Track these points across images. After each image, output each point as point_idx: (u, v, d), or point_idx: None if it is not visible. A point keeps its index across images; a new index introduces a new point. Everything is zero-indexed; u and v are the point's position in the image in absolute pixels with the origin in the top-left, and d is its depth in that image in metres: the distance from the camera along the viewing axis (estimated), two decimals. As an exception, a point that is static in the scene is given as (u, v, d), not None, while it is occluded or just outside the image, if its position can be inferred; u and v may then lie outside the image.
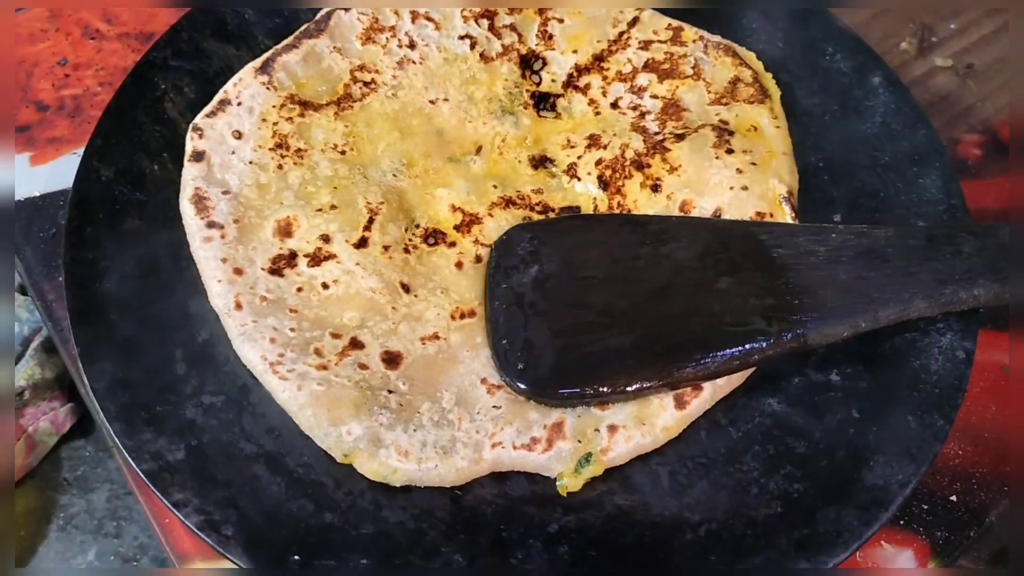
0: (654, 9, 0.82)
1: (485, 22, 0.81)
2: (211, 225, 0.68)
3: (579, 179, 0.75)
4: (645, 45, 0.80)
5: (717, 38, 0.80)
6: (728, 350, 0.61)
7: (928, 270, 0.63)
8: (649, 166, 0.73)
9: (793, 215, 0.71)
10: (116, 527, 0.83)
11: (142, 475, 0.58)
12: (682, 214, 0.70)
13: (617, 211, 0.72)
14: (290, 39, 0.77)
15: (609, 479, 0.62)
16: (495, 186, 0.74)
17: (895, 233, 0.66)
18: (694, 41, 0.80)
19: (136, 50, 0.93)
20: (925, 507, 0.74)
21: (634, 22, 0.82)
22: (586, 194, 0.74)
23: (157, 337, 0.64)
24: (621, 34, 0.81)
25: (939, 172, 0.73)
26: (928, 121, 0.76)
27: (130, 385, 0.61)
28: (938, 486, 0.75)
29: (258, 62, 0.76)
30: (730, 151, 0.73)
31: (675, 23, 0.81)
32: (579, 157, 0.75)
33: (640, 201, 0.72)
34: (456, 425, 0.61)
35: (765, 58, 0.80)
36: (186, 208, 0.68)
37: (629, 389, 0.62)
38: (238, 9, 0.80)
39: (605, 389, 0.62)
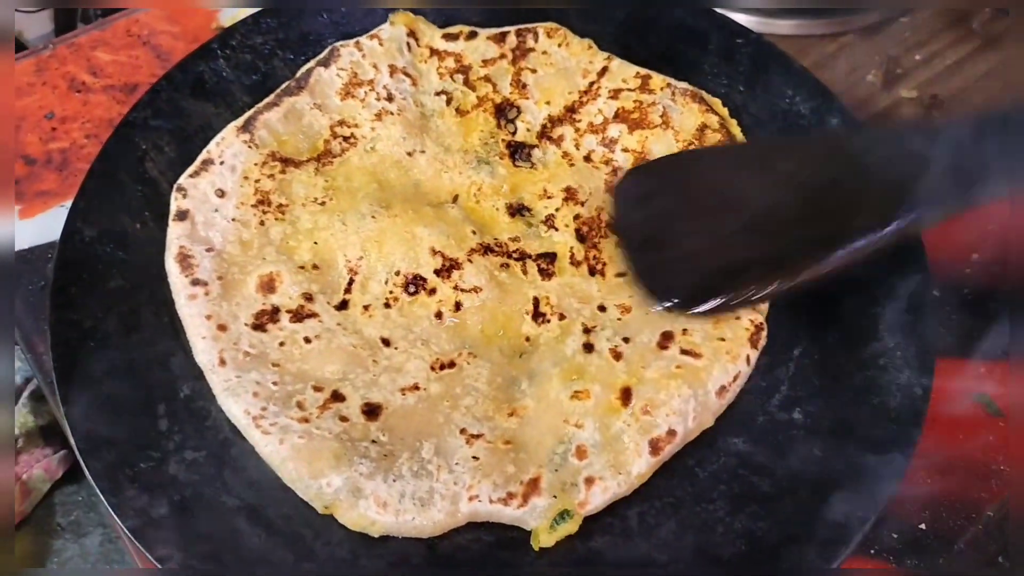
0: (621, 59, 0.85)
1: (460, 76, 0.83)
2: (196, 283, 0.70)
3: (556, 229, 0.77)
4: (615, 94, 0.83)
5: (684, 85, 0.83)
6: (841, 249, 0.69)
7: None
8: None
9: None
10: (109, 570, 0.84)
11: (127, 531, 0.59)
12: None
13: (593, 263, 0.75)
14: (271, 97, 0.80)
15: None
16: (473, 232, 0.76)
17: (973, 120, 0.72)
18: (662, 89, 0.82)
19: (121, 102, 0.95)
20: (895, 535, 0.76)
21: (603, 71, 0.84)
22: (563, 243, 0.76)
23: (141, 394, 0.66)
24: (591, 84, 0.83)
25: (897, 211, 0.75)
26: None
27: (114, 443, 0.63)
28: (907, 514, 0.77)
29: (240, 121, 0.78)
30: None
31: (643, 71, 0.84)
32: (556, 209, 0.78)
33: (616, 257, 0.75)
34: (435, 476, 0.63)
35: (727, 103, 0.83)
36: (171, 267, 0.70)
37: (759, 295, 0.70)
38: (216, 67, 0.82)
39: (738, 299, 0.70)
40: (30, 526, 0.87)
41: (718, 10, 0.89)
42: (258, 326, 0.69)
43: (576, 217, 0.77)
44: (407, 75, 0.83)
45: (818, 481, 0.65)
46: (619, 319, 0.71)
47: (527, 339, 0.71)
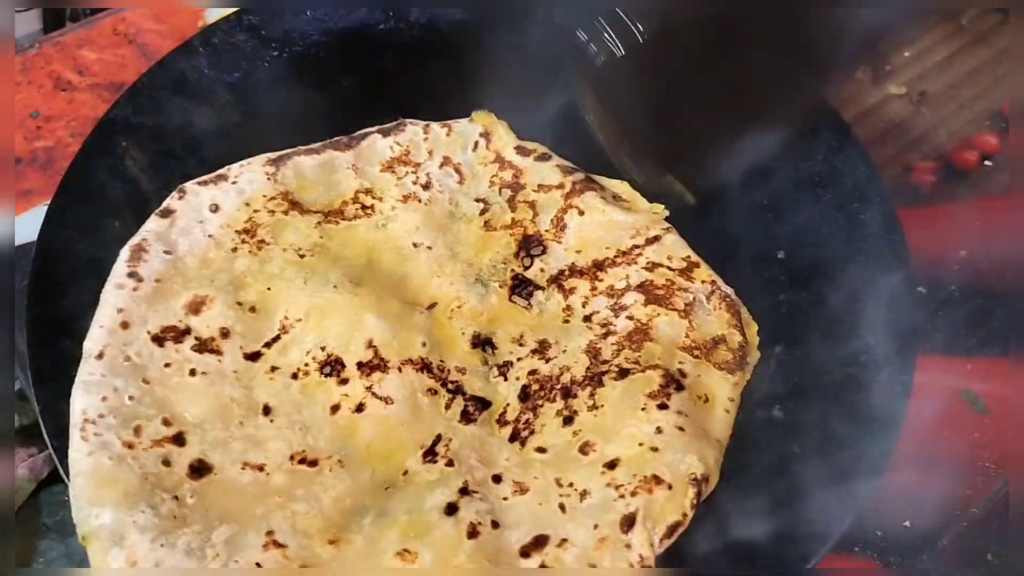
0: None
1: (508, 192, 0.79)
2: (132, 275, 0.68)
3: (505, 379, 0.69)
4: (652, 266, 0.74)
5: (729, 290, 0.74)
6: None
7: None
8: (575, 396, 0.67)
9: (694, 501, 0.62)
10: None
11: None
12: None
13: (521, 427, 0.67)
14: (317, 144, 0.78)
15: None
16: (424, 343, 0.69)
17: None
18: (703, 281, 0.73)
19: (107, 100, 0.95)
20: (879, 533, 0.76)
21: (654, 240, 0.76)
22: (503, 396, 0.69)
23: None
24: (635, 247, 0.75)
25: (880, 208, 0.75)
26: (869, 158, 0.78)
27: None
28: (892, 511, 0.77)
29: (275, 154, 0.77)
30: (664, 406, 0.65)
31: (694, 257, 0.75)
32: (519, 359, 0.70)
33: (548, 428, 0.66)
34: (206, 562, 0.56)
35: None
36: (123, 252, 0.70)
37: None
38: (197, 64, 0.82)
39: None
40: (15, 526, 0.86)
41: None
42: (158, 338, 0.66)
43: (532, 372, 0.69)
44: (458, 172, 0.79)
45: (796, 479, 0.64)
46: (505, 499, 0.62)
47: (404, 473, 0.64)
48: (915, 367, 0.68)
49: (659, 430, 0.64)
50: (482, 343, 0.71)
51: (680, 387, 0.66)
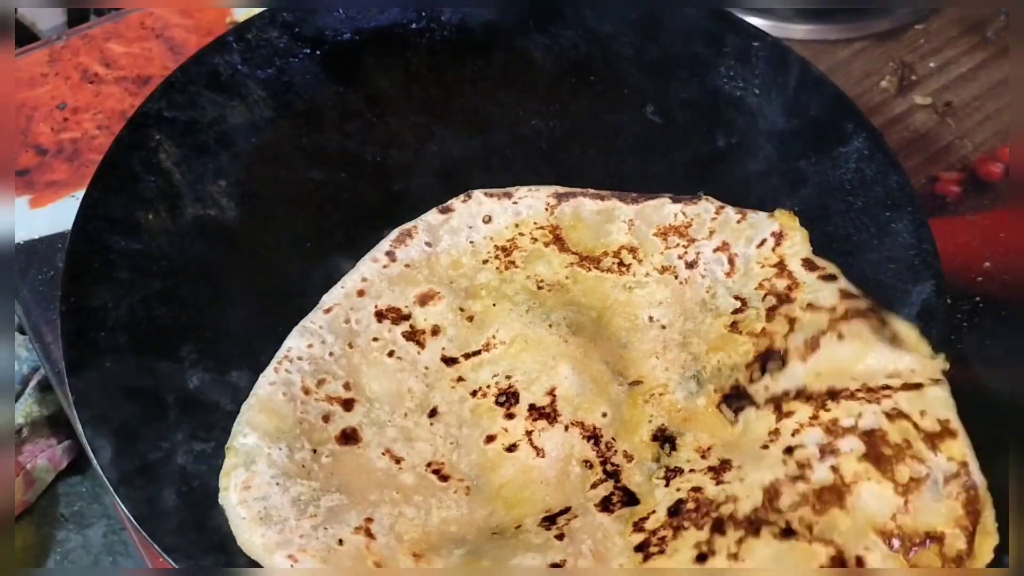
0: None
1: (773, 300, 0.70)
2: (389, 254, 0.73)
3: (667, 486, 0.63)
4: (895, 415, 0.61)
5: (981, 480, 0.58)
6: None
7: None
8: (723, 534, 0.58)
9: None
10: (112, 563, 0.84)
11: (134, 521, 0.60)
12: None
13: (653, 543, 0.59)
14: (605, 191, 0.77)
15: None
16: (604, 415, 0.66)
17: None
18: (951, 459, 0.59)
19: (134, 94, 0.95)
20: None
21: (915, 387, 0.63)
22: (654, 503, 0.62)
23: (150, 385, 0.66)
24: (886, 387, 0.63)
25: (911, 216, 0.75)
26: (901, 166, 0.78)
27: (123, 433, 0.63)
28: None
29: (563, 189, 0.77)
30: None
31: (955, 424, 0.61)
32: (692, 471, 0.63)
33: (679, 556, 0.58)
34: (303, 518, 0.59)
35: (742, 105, 0.83)
36: (393, 232, 0.74)
37: None
38: (231, 60, 0.82)
39: None
40: (33, 516, 0.87)
41: (734, 11, 0.89)
42: (380, 314, 0.70)
43: (696, 489, 0.61)
44: (731, 262, 0.73)
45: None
46: None
47: (518, 527, 0.61)
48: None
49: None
50: (664, 439, 0.65)
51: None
